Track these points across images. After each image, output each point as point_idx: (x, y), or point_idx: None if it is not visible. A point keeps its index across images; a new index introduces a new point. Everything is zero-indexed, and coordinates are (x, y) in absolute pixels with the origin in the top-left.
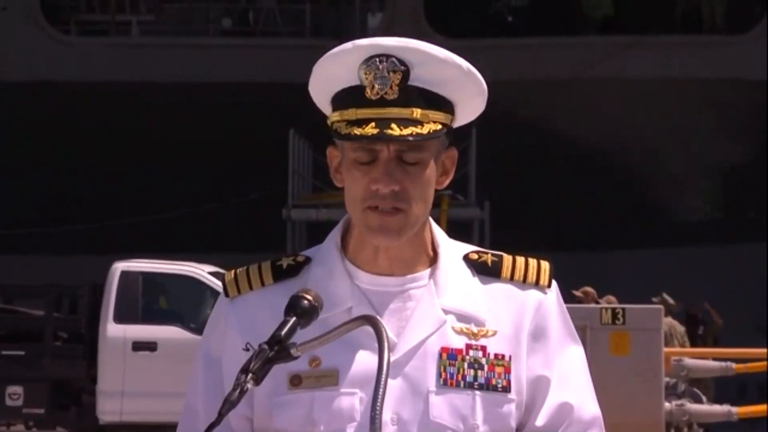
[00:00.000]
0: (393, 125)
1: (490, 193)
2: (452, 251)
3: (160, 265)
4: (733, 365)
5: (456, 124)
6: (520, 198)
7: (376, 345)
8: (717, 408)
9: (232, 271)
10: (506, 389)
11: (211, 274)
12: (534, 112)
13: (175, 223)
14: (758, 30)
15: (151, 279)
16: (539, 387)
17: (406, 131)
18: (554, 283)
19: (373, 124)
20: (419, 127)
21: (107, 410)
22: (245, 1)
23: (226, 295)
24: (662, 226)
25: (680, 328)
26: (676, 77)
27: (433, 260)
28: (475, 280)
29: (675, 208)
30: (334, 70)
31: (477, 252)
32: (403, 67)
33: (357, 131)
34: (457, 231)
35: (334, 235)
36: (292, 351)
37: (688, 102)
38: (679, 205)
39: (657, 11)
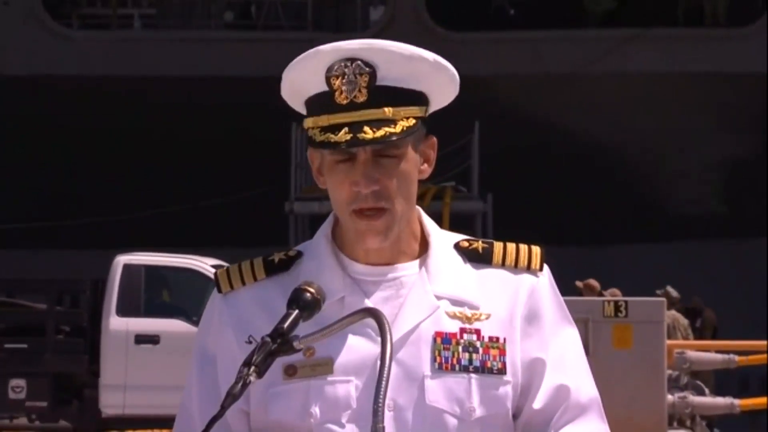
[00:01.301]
0: (366, 128)
1: (492, 186)
2: (443, 240)
3: (163, 258)
4: (736, 357)
5: (430, 111)
6: (522, 192)
7: (370, 331)
8: (719, 400)
9: (225, 268)
10: (501, 371)
11: (214, 267)
12: (536, 106)
13: (178, 218)
14: (759, 24)
15: (153, 272)
16: (535, 370)
17: (380, 133)
18: (546, 266)
19: (346, 129)
20: (392, 126)
21: (110, 403)
22: None
23: (219, 291)
24: (663, 222)
25: (684, 321)
26: (678, 72)
27: (423, 249)
28: (467, 267)
29: (676, 203)
30: (302, 77)
31: (468, 240)
32: (369, 69)
33: (331, 138)
34: (459, 223)
35: (325, 228)
36: (295, 344)
37: (689, 97)
38: (680, 200)
39: (659, 5)
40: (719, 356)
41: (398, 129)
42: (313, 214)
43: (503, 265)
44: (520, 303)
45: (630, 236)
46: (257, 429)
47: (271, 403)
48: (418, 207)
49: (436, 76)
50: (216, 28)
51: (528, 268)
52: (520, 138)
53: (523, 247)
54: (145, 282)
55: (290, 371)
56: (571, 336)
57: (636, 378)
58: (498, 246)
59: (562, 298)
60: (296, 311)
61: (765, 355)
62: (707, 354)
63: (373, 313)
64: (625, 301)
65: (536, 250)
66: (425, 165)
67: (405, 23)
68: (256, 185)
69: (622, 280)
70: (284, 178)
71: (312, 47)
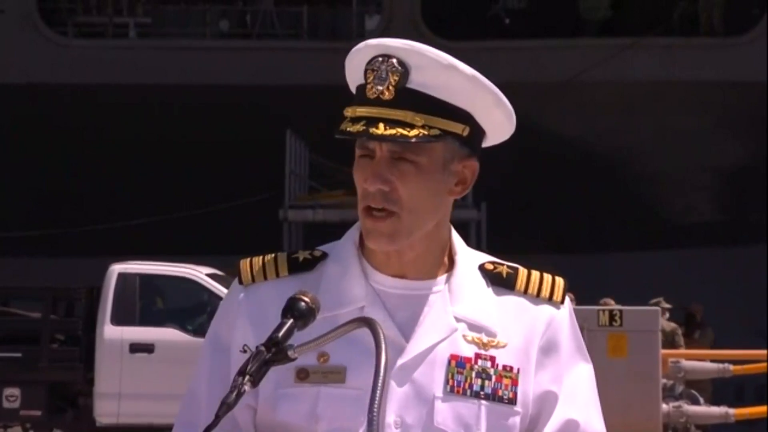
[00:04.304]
0: (380, 124)
1: (488, 195)
2: (469, 260)
3: (158, 266)
4: (730, 367)
5: (487, 141)
6: (518, 200)
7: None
8: (714, 409)
9: (248, 259)
10: (512, 401)
11: (209, 276)
12: (532, 114)
13: (172, 225)
14: (757, 31)
15: (148, 281)
16: (546, 402)
17: (390, 131)
18: (567, 299)
19: (363, 122)
20: (407, 129)
21: (104, 412)
22: (242, 4)
23: (240, 281)
24: (662, 229)
25: (668, 326)
26: (675, 79)
27: (449, 267)
28: (489, 291)
29: (674, 210)
30: (351, 68)
31: (493, 263)
32: (401, 69)
33: (348, 127)
34: None
35: (353, 233)
36: (290, 353)
37: (686, 104)
38: (679, 207)
39: (655, 14)
40: (714, 365)
41: (412, 134)
42: (307, 221)
43: (525, 293)
44: (537, 333)
45: (629, 244)
46: (263, 428)
47: (280, 404)
48: (449, 224)
49: (473, 93)
50: (211, 36)
51: (549, 299)
52: (517, 145)
53: (547, 277)
54: (139, 291)
55: (302, 375)
56: (586, 371)
57: (631, 387)
58: (522, 272)
59: (580, 333)
60: (291, 320)
61: (761, 365)
62: (702, 363)
63: (368, 323)
64: (620, 310)
65: (559, 281)
66: (459, 186)
67: (401, 32)
68: (251, 193)
69: (621, 288)
70: (278, 186)
71: (307, 56)
